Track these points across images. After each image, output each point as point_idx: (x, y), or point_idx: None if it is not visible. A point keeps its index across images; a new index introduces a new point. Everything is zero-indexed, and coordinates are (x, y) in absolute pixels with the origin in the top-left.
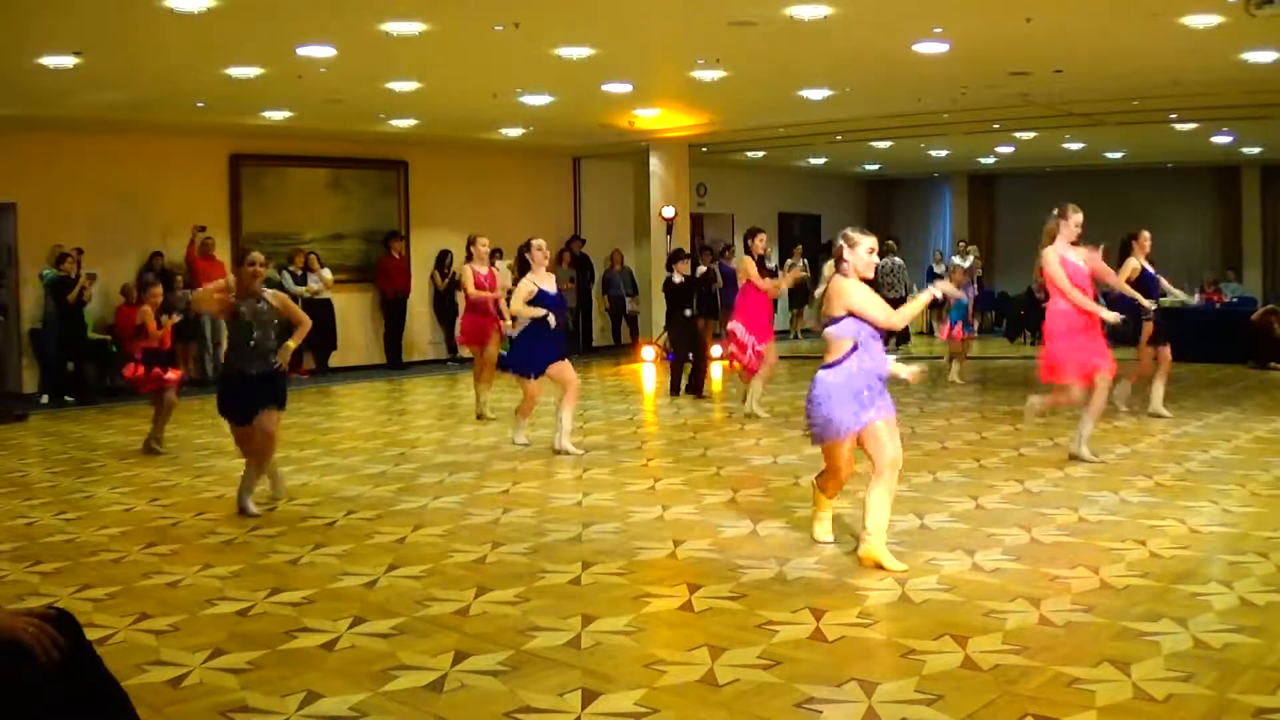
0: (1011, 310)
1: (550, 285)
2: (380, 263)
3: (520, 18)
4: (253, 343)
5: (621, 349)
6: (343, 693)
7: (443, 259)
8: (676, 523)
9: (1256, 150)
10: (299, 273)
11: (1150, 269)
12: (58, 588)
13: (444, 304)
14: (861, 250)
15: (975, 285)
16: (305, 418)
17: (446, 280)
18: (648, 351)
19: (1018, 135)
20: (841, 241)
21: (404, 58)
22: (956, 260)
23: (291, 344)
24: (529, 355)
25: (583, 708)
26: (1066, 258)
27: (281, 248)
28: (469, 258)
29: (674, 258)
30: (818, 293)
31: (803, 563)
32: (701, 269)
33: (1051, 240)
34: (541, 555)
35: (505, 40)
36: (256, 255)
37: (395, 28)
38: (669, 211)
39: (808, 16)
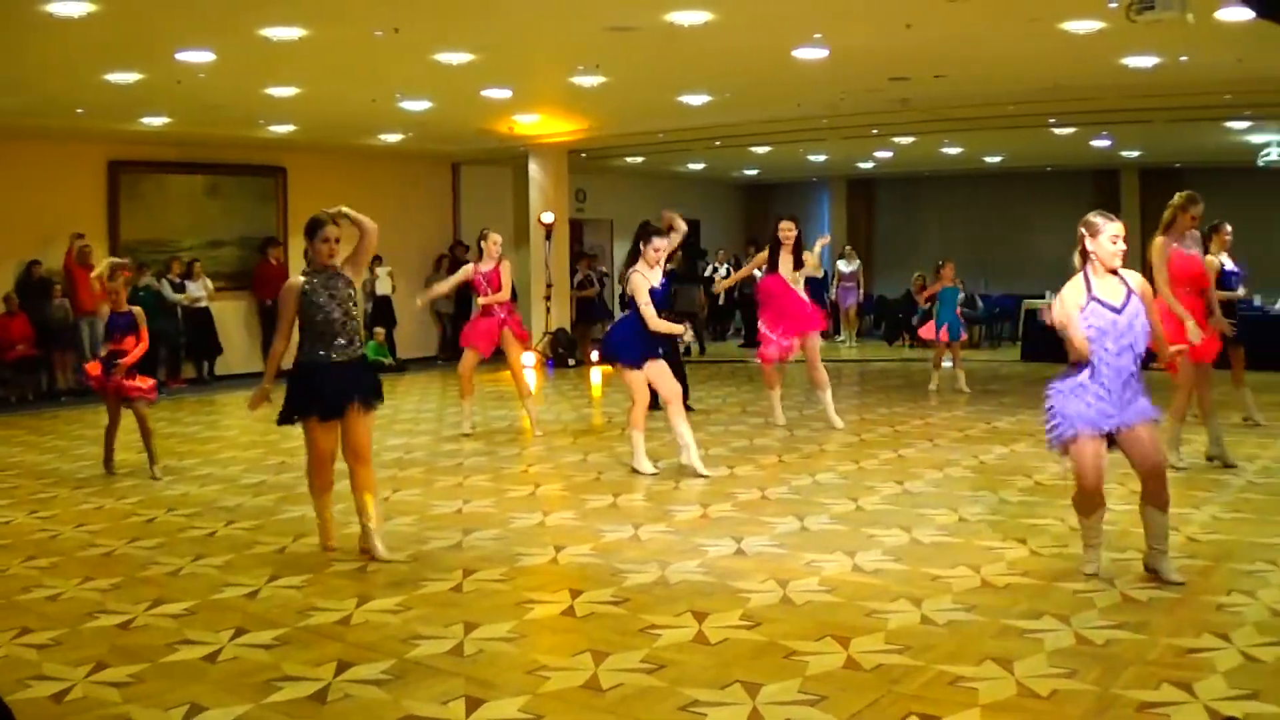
0: (890, 313)
1: (656, 279)
2: (258, 270)
3: (400, 23)
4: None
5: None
6: (226, 705)
7: None
8: (558, 528)
9: (1135, 154)
10: (177, 280)
11: (1231, 265)
12: None
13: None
14: (1104, 238)
15: (859, 289)
16: (184, 427)
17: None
18: (528, 357)
19: (897, 140)
20: (1082, 229)
21: (283, 63)
22: (841, 265)
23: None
24: (629, 343)
25: (467, 715)
26: (1182, 249)
27: (160, 255)
28: (480, 255)
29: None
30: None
31: (684, 566)
32: (579, 276)
33: (1165, 229)
34: (422, 563)
35: (385, 46)
36: (332, 230)
37: (275, 33)
38: (548, 217)
39: (687, 22)
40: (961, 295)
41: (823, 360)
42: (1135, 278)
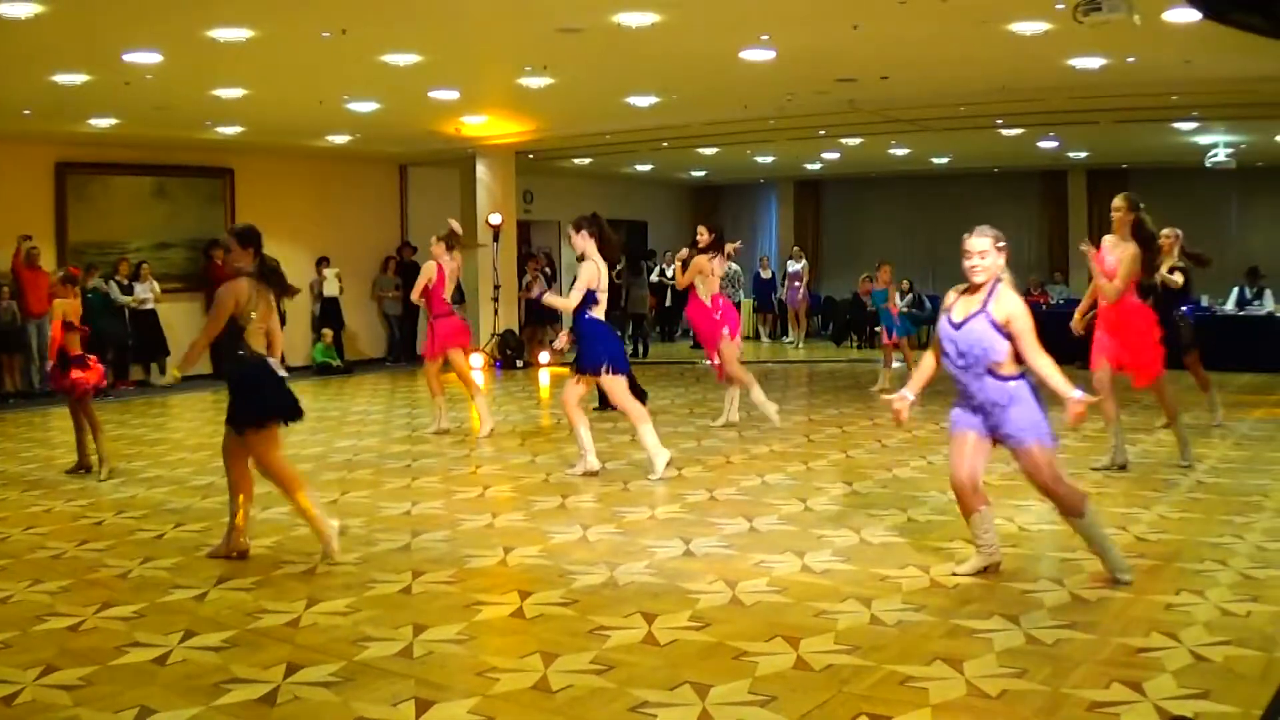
0: (838, 314)
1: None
2: (206, 271)
3: (347, 24)
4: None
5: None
6: (176, 707)
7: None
8: (506, 530)
9: (1082, 155)
10: (125, 282)
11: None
12: None
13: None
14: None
15: (805, 290)
16: (132, 429)
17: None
18: (476, 359)
19: (844, 141)
20: None
21: (231, 64)
22: (789, 265)
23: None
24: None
25: (417, 717)
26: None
27: (108, 256)
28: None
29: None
30: None
31: (633, 567)
32: (527, 278)
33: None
34: (371, 565)
35: (332, 47)
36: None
37: (222, 34)
38: (496, 219)
39: (635, 24)
40: (909, 297)
41: (772, 360)
42: (1004, 306)
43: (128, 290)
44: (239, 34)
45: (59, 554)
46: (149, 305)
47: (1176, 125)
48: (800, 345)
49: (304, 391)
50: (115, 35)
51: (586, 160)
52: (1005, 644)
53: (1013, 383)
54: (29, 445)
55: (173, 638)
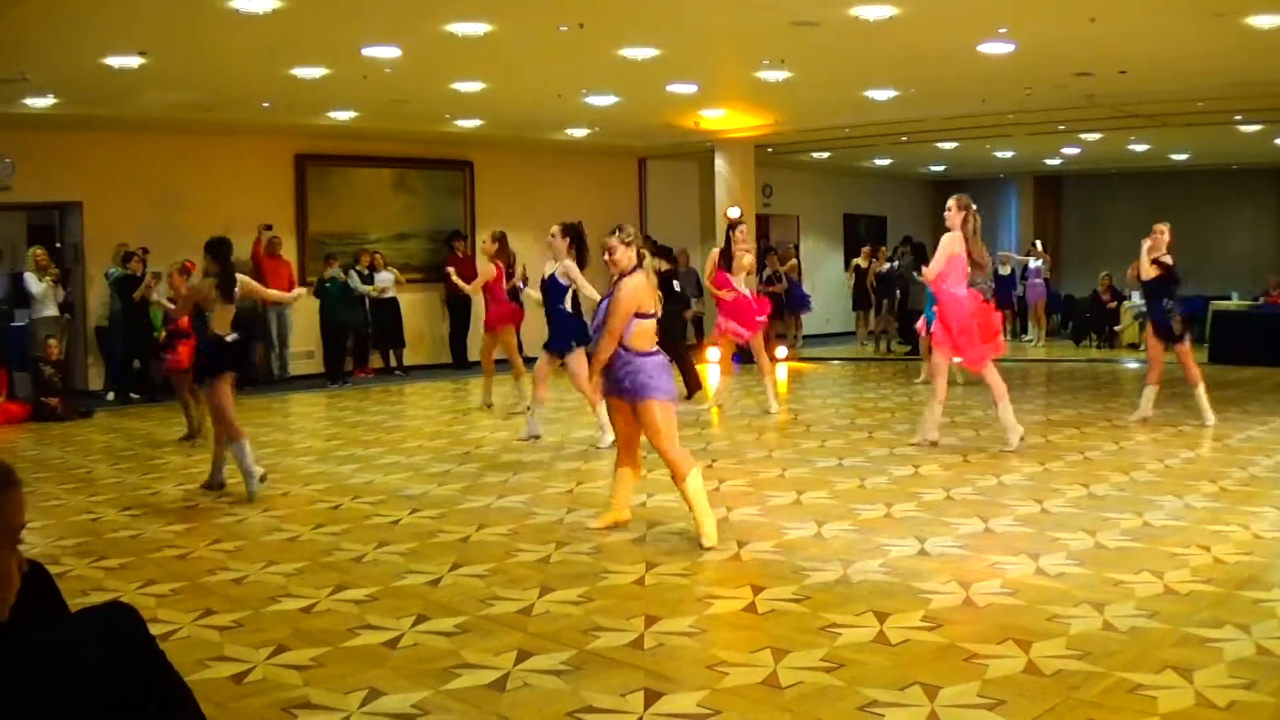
0: (1077, 312)
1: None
2: (446, 262)
3: (584, 18)
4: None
5: (687, 349)
6: (405, 690)
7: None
8: (740, 524)
9: None
10: (365, 272)
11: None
12: (122, 583)
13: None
14: None
15: (1044, 286)
16: (371, 416)
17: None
18: (713, 353)
19: (1083, 136)
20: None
21: (469, 58)
22: (1032, 262)
23: None
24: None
25: (645, 708)
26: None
27: (348, 247)
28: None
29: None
30: None
31: (867, 565)
32: (768, 272)
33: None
34: (605, 555)
35: (570, 41)
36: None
37: (460, 28)
38: (734, 212)
39: (872, 17)
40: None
41: (1011, 359)
42: (622, 285)
43: (368, 280)
44: (477, 28)
45: (294, 537)
46: (389, 294)
47: None
48: (1040, 343)
49: None
50: (354, 30)
51: (825, 154)
52: (1236, 654)
53: (638, 358)
54: (268, 430)
55: (404, 621)
